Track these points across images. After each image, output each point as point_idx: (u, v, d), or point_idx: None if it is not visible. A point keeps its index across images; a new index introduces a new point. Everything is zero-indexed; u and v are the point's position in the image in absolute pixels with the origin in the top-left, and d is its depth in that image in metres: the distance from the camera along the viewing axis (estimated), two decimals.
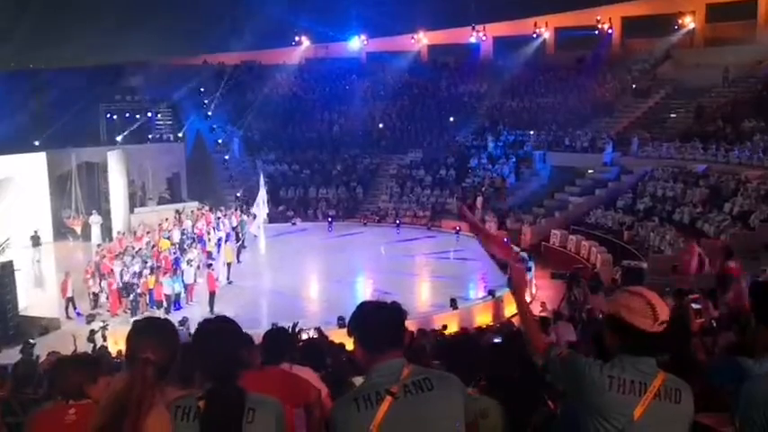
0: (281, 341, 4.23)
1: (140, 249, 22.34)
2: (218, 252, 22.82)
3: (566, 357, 2.70)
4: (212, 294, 19.15)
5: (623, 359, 2.56)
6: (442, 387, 2.51)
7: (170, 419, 2.46)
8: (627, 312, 2.53)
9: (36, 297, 20.12)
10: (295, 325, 5.69)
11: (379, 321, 2.58)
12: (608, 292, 16.08)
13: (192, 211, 28.41)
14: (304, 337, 10.37)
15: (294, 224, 31.69)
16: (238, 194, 32.69)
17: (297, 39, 44.94)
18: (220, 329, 2.63)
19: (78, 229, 28.02)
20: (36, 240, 25.24)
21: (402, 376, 2.48)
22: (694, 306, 7.65)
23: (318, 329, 12.59)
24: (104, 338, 16.66)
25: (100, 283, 19.71)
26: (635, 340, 2.53)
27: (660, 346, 2.58)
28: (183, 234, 25.05)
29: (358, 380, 2.66)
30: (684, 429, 2.59)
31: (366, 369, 2.56)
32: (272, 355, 4.03)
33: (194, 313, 17.63)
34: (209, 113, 37.36)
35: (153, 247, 22.97)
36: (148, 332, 2.49)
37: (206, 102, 37.81)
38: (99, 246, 25.03)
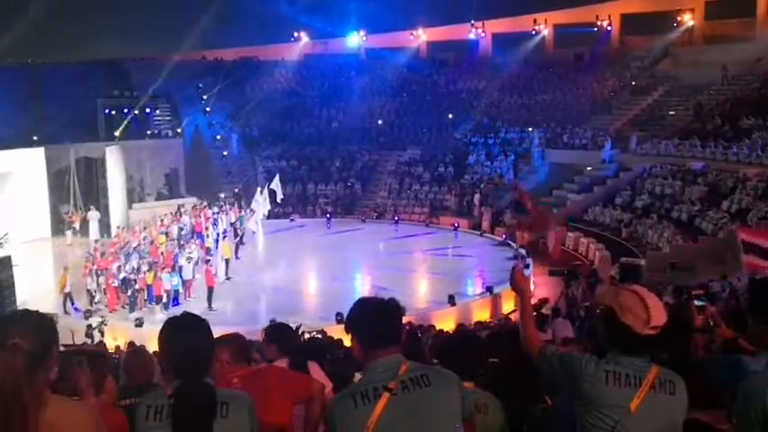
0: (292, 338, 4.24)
1: (138, 245, 22.33)
2: (216, 248, 22.82)
3: (562, 354, 2.75)
4: (210, 290, 19.15)
5: (616, 356, 2.61)
6: (439, 383, 2.51)
7: (88, 413, 2.28)
8: (620, 309, 2.57)
9: (34, 292, 20.09)
10: (298, 327, 5.66)
11: (376, 318, 2.57)
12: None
13: (192, 207, 28.43)
14: (306, 337, 10.36)
15: (292, 220, 31.67)
16: (237, 190, 32.68)
17: (296, 35, 44.94)
18: (186, 326, 2.61)
19: (77, 225, 28.01)
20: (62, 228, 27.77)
21: (399, 372, 2.48)
22: (697, 303, 7.65)
23: (322, 331, 12.60)
24: (102, 334, 16.67)
25: (97, 280, 19.70)
26: (623, 338, 2.57)
27: (650, 348, 2.61)
28: (181, 230, 25.06)
29: (359, 376, 2.66)
30: (679, 420, 2.64)
31: (364, 365, 2.57)
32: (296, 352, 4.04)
33: (193, 309, 17.61)
34: (208, 109, 37.30)
35: (151, 242, 22.98)
36: (20, 320, 2.31)
37: (204, 98, 37.75)
38: (97, 241, 25.04)
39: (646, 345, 2.59)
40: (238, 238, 25.44)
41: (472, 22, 41.76)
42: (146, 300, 19.27)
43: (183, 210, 27.79)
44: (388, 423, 2.39)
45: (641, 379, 2.56)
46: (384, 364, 2.50)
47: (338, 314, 14.93)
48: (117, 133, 32.43)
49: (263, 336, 4.32)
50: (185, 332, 2.58)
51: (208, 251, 22.87)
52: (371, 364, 2.52)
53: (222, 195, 31.36)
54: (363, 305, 2.63)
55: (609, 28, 39.19)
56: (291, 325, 6.15)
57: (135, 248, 21.73)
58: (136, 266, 19.87)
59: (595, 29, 39.23)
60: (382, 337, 2.54)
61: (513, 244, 25.68)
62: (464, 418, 2.59)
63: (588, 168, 29.99)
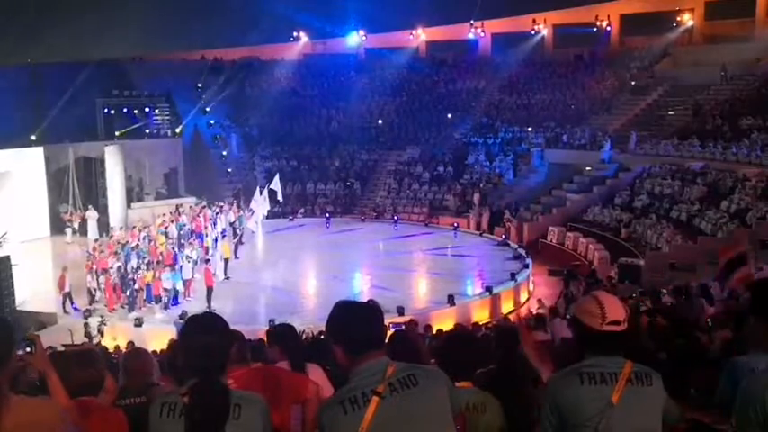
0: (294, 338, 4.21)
1: (138, 245, 22.32)
2: (215, 248, 22.83)
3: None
4: (210, 290, 19.16)
5: (589, 358, 2.71)
6: (426, 381, 2.49)
7: (52, 410, 2.23)
8: (579, 313, 2.75)
9: (33, 292, 20.09)
10: (302, 332, 5.62)
11: (360, 322, 2.53)
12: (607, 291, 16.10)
13: (190, 207, 28.42)
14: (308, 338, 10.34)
15: (292, 220, 31.70)
16: (236, 190, 32.66)
17: (295, 34, 44.86)
18: (206, 325, 2.62)
19: (76, 224, 28.01)
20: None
21: (387, 375, 2.45)
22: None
23: (322, 332, 12.57)
24: (101, 334, 16.67)
25: (97, 279, 19.70)
26: (588, 339, 2.71)
27: (620, 344, 2.71)
28: (180, 230, 25.04)
29: None
30: (659, 410, 2.70)
31: (349, 371, 2.51)
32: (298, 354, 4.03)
33: (192, 309, 17.61)
34: (208, 109, 37.29)
35: (150, 242, 22.96)
36: None
37: (204, 97, 37.74)
38: (96, 241, 25.02)
39: (613, 341, 2.68)
40: (237, 238, 25.45)
41: (472, 22, 41.68)
42: (145, 299, 19.28)
43: (181, 210, 27.80)
44: (380, 427, 2.36)
45: (617, 374, 2.64)
46: (371, 368, 2.46)
47: None
48: (116, 133, 32.41)
49: (267, 337, 4.31)
50: (204, 331, 2.58)
51: (207, 251, 22.89)
52: (358, 369, 2.47)
53: (229, 196, 31.33)
54: (345, 310, 2.57)
55: (608, 28, 39.15)
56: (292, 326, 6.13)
57: (134, 248, 21.73)
58: (135, 266, 19.89)
59: (595, 29, 39.18)
60: (368, 341, 2.50)
61: (512, 244, 25.69)
62: (453, 415, 2.57)
63: (587, 168, 29.99)
